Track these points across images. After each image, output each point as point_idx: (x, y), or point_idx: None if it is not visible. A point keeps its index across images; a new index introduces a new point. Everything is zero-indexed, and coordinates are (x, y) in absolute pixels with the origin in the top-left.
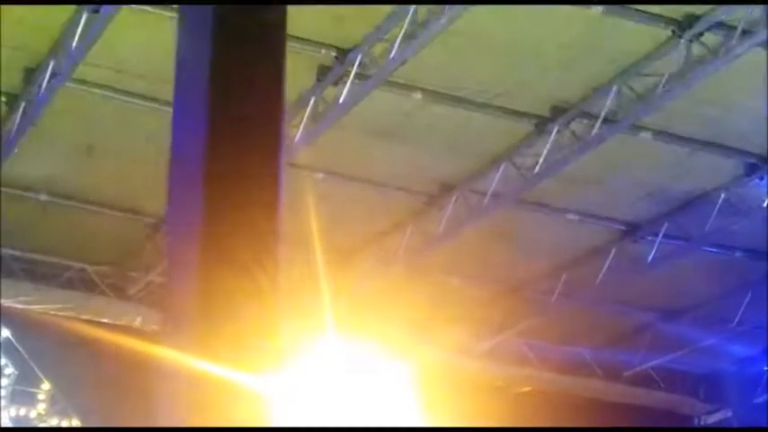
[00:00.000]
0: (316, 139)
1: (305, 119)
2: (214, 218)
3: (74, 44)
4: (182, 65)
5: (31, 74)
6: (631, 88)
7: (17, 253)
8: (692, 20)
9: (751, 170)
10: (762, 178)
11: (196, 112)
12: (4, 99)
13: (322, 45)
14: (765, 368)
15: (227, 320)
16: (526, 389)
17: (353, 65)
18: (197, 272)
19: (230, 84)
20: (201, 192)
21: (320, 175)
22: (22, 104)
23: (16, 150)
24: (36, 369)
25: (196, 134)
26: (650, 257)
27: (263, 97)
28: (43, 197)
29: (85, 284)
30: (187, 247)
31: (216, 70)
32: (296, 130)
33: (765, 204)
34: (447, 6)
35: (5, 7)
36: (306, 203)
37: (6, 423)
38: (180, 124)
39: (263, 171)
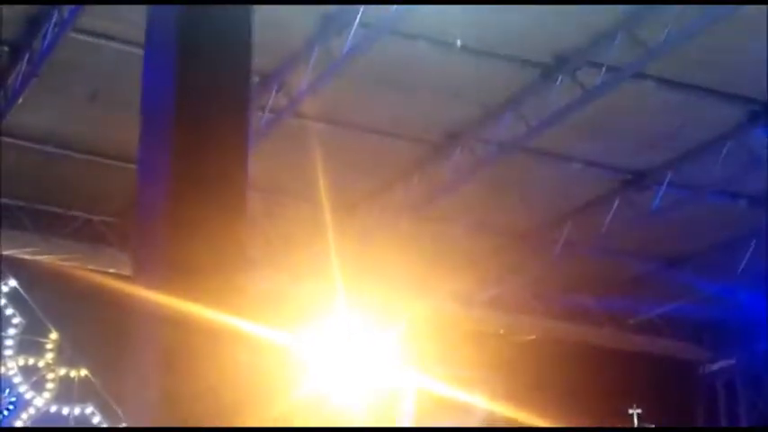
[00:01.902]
0: (320, 89)
1: (309, 69)
2: (183, 161)
3: None
4: (153, 20)
5: (33, 24)
6: (636, 36)
7: (23, 204)
8: None
9: (756, 118)
10: (767, 126)
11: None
12: (6, 49)
13: None
14: None
15: (197, 261)
16: (530, 337)
17: (357, 14)
18: (166, 212)
19: (199, 38)
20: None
21: (325, 126)
22: (26, 55)
23: (20, 101)
24: (43, 318)
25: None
26: (654, 206)
27: (229, 50)
28: (49, 148)
29: (91, 235)
30: (156, 189)
31: (184, 27)
32: (300, 80)
33: None
34: None
35: None
36: (311, 154)
37: (15, 372)
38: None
39: (230, 116)
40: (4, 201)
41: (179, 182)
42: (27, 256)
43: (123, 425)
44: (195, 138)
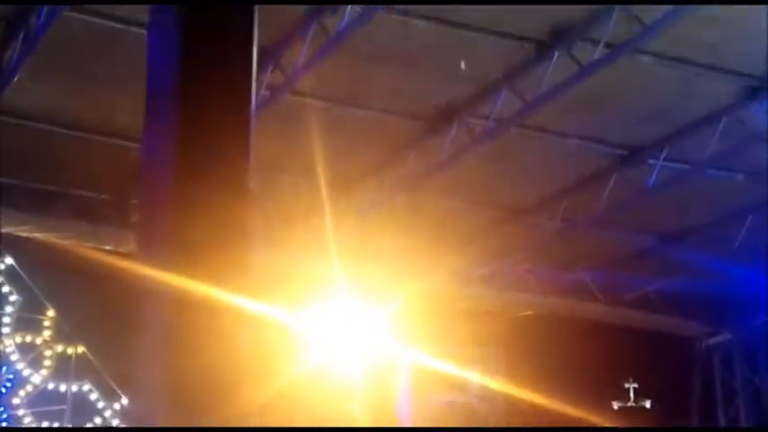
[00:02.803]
0: (316, 66)
1: (305, 46)
2: (186, 141)
3: None
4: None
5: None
6: (632, 11)
7: (20, 182)
8: None
9: (752, 94)
10: (763, 101)
11: (170, 42)
12: (3, 23)
13: None
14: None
15: (200, 240)
16: (527, 313)
17: None
18: (169, 192)
19: (202, 17)
20: (174, 118)
21: (321, 103)
22: (21, 32)
23: (17, 79)
24: (40, 296)
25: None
26: (651, 181)
27: (233, 30)
28: (45, 126)
29: (88, 213)
30: (160, 168)
31: (187, 8)
32: (296, 57)
33: (766, 127)
34: None
35: None
36: (307, 131)
37: (12, 350)
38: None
39: (233, 97)
40: (1, 179)
41: (182, 161)
42: (24, 234)
43: (122, 401)
44: (199, 117)
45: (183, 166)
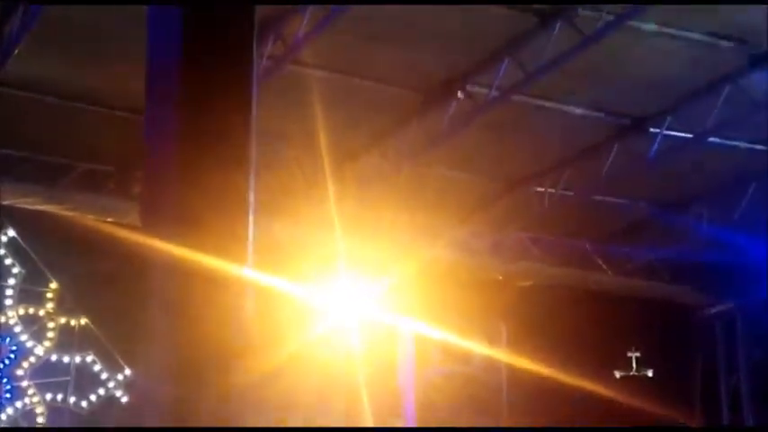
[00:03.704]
0: (318, 37)
1: (306, 17)
2: (189, 114)
3: None
4: None
5: None
6: None
7: (23, 154)
8: None
9: (755, 62)
10: (765, 70)
11: (171, 14)
12: None
13: None
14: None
15: (203, 212)
16: (529, 283)
17: None
18: (173, 165)
19: None
20: (177, 92)
21: (323, 74)
22: (21, 5)
23: (19, 50)
24: (43, 268)
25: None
26: (653, 151)
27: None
28: (49, 98)
29: (90, 184)
30: (164, 141)
31: None
32: (298, 28)
33: None
34: None
35: None
36: (309, 102)
37: (15, 322)
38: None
39: (236, 69)
40: (4, 151)
41: (185, 134)
42: (26, 206)
43: (125, 372)
44: (201, 90)
45: (185, 137)
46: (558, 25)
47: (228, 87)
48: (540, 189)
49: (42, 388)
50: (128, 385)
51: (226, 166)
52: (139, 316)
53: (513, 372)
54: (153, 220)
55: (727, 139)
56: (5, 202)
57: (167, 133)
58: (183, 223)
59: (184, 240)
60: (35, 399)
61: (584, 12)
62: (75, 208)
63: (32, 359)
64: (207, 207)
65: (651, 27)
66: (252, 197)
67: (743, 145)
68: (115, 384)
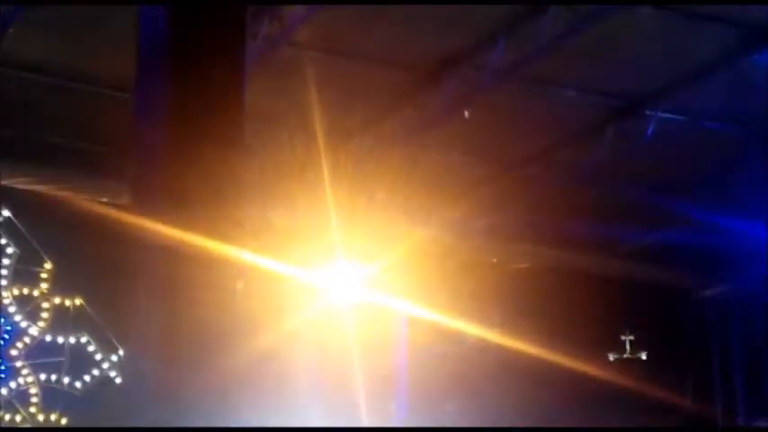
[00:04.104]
0: (313, 17)
1: None
2: (180, 93)
3: None
4: None
5: None
6: None
7: (18, 134)
8: None
9: (753, 44)
10: (764, 52)
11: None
12: None
13: None
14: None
15: (194, 192)
16: (524, 265)
17: None
18: (163, 144)
19: None
20: (167, 71)
21: (318, 54)
22: None
23: (15, 30)
24: (38, 248)
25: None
26: (649, 133)
27: None
28: (43, 78)
29: (85, 165)
30: (153, 120)
31: None
32: (293, 9)
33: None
34: None
35: None
36: (304, 83)
37: (10, 302)
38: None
39: (227, 48)
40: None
41: (176, 113)
42: (22, 186)
43: (120, 353)
44: (192, 69)
45: (176, 116)
46: (552, 7)
47: (220, 67)
48: (534, 171)
49: (37, 368)
50: (121, 367)
51: (218, 144)
52: (132, 297)
53: (507, 353)
54: (143, 201)
55: (724, 121)
56: (0, 182)
57: (157, 112)
58: (174, 204)
59: (176, 221)
60: (29, 379)
61: None
62: (70, 188)
63: (27, 339)
64: (199, 187)
65: (647, 8)
66: (245, 176)
67: (740, 128)
68: (110, 365)
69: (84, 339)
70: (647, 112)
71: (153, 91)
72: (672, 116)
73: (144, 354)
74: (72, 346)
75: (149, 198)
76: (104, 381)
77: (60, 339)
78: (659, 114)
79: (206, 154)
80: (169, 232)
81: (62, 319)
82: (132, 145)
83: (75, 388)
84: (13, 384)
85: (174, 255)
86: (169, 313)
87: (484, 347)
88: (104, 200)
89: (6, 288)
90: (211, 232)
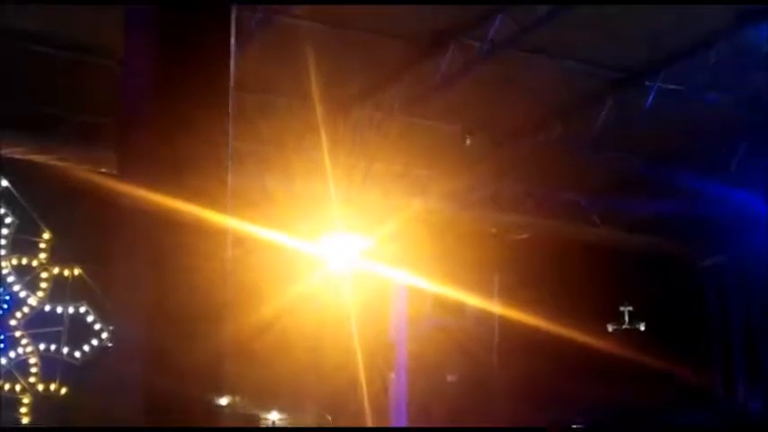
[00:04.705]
0: None
1: None
2: (167, 60)
3: None
4: None
5: None
6: None
7: (16, 104)
8: None
9: (751, 16)
10: (760, 25)
11: None
12: None
13: None
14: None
15: (184, 159)
16: (523, 236)
17: None
18: (151, 111)
19: None
20: (155, 38)
21: (317, 25)
22: None
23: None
24: (36, 218)
25: None
26: (648, 104)
27: None
28: (41, 48)
29: (84, 135)
30: (141, 87)
31: None
32: None
33: (765, 51)
34: None
35: None
36: (303, 54)
37: (9, 271)
38: None
39: (214, 14)
40: None
41: (163, 80)
42: (20, 156)
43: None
44: (179, 36)
45: (164, 85)
46: None
47: (207, 35)
48: (534, 142)
49: (36, 338)
50: (113, 336)
51: (206, 110)
52: (125, 265)
53: (506, 324)
54: (132, 168)
55: (723, 91)
56: None
57: (145, 80)
58: (164, 172)
59: (167, 189)
60: (29, 349)
61: None
62: (69, 159)
63: (26, 309)
64: (186, 154)
65: None
66: (233, 143)
67: (738, 99)
68: (108, 335)
69: (83, 309)
70: (646, 84)
71: (141, 58)
72: (670, 87)
73: (136, 323)
74: (71, 315)
75: (138, 166)
76: (103, 350)
77: (59, 309)
78: (658, 85)
79: (194, 120)
80: (160, 200)
81: (61, 289)
82: (120, 112)
83: (75, 357)
84: (12, 354)
85: (166, 223)
86: (161, 282)
87: (483, 318)
88: (103, 170)
89: (5, 258)
90: (201, 199)
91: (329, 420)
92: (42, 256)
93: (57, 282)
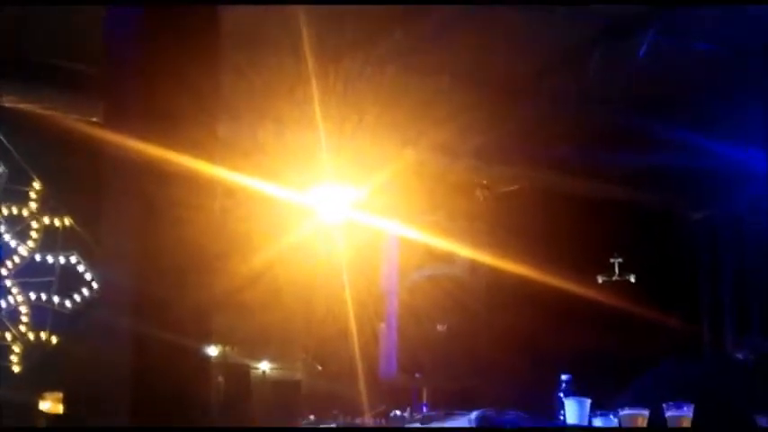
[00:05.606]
0: None
1: None
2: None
3: None
4: None
5: None
6: None
7: (4, 54)
8: None
9: None
10: None
11: None
12: None
13: None
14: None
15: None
16: (513, 187)
17: None
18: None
19: None
20: None
21: None
22: None
23: None
24: (27, 168)
25: None
26: (640, 54)
27: None
28: None
29: (74, 84)
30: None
31: None
32: None
33: None
34: None
35: None
36: (292, 7)
37: None
38: None
39: None
40: None
41: (150, 29)
42: (10, 105)
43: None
44: None
45: (152, 33)
46: None
47: None
48: (524, 94)
49: (26, 287)
50: (99, 288)
51: (195, 62)
52: (113, 217)
53: (497, 274)
54: (119, 118)
55: (716, 42)
56: None
57: (132, 26)
58: (153, 121)
59: (157, 139)
60: (19, 298)
61: None
62: (59, 107)
63: (16, 259)
64: (178, 104)
65: None
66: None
67: (731, 51)
68: (99, 285)
69: (73, 259)
70: (639, 33)
71: (126, 6)
72: (664, 37)
73: (126, 273)
74: (62, 265)
75: (125, 115)
76: (94, 300)
77: (50, 259)
78: (651, 35)
79: (183, 69)
80: (149, 150)
81: (52, 239)
82: (105, 61)
83: (65, 307)
84: (3, 303)
85: (153, 172)
86: (152, 234)
87: (473, 268)
88: (94, 119)
89: None
90: (192, 148)
91: (319, 369)
92: (33, 205)
93: (47, 231)
